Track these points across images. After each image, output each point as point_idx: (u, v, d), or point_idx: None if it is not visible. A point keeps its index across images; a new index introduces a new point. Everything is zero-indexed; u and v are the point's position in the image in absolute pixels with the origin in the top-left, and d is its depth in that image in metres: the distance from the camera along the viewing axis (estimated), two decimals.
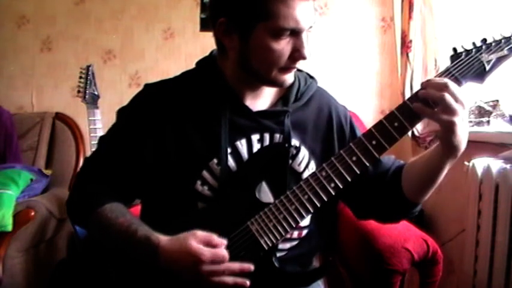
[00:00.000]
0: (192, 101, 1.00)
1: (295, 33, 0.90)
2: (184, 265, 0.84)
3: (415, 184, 0.98)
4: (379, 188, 1.02)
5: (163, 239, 0.87)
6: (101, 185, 0.99)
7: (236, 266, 0.85)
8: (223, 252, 0.84)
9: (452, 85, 0.84)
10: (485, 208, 1.46)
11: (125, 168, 0.99)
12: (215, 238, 0.85)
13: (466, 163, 1.57)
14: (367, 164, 0.90)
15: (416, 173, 0.98)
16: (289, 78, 0.96)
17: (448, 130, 0.85)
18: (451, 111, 0.83)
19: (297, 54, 0.91)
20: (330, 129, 1.07)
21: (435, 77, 0.90)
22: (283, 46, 0.90)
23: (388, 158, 1.06)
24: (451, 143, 0.86)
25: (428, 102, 0.86)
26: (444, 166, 0.92)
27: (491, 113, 1.76)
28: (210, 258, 0.83)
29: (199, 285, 0.85)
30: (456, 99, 0.83)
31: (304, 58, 0.92)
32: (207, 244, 0.84)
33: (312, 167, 1.02)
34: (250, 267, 0.86)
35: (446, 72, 0.90)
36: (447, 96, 0.83)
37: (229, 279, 0.84)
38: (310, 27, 0.91)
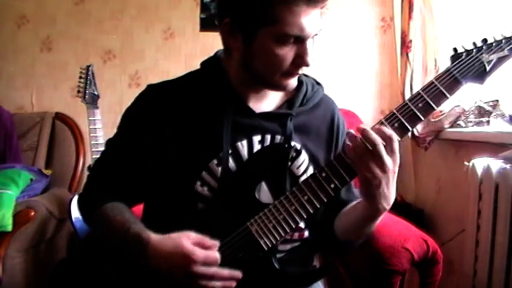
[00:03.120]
0: (195, 102, 1.00)
1: (300, 40, 0.89)
2: (175, 264, 0.83)
3: (342, 225, 1.00)
4: (332, 216, 1.03)
5: (153, 236, 0.87)
6: (107, 186, 1.00)
7: (226, 272, 0.85)
8: (215, 254, 0.84)
9: (379, 144, 0.83)
10: (485, 208, 1.46)
11: (130, 169, 1.00)
12: (208, 240, 0.85)
13: (466, 163, 1.57)
14: None
15: (344, 216, 1.01)
16: (292, 82, 0.96)
17: (362, 183, 0.86)
18: (367, 169, 0.84)
19: (299, 60, 0.90)
20: (332, 137, 1.07)
21: (434, 78, 0.89)
22: (287, 52, 0.89)
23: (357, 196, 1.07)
24: (364, 197, 0.88)
25: None
26: (364, 220, 0.93)
27: (491, 113, 1.76)
28: (202, 259, 0.82)
29: (187, 285, 0.84)
30: (379, 160, 0.83)
31: (307, 65, 0.91)
32: (200, 245, 0.84)
33: (310, 171, 1.01)
34: (239, 275, 0.85)
35: (447, 73, 0.90)
36: (367, 155, 0.83)
37: (218, 284, 0.84)
38: (316, 34, 0.90)
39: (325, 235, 1.03)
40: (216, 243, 0.85)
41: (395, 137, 0.85)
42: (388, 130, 0.85)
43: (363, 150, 0.84)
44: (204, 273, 0.83)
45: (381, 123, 0.89)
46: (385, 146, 0.84)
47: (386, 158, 0.83)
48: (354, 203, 0.99)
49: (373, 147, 0.83)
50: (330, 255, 1.14)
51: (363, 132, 0.84)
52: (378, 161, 0.83)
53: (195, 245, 0.84)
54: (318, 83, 1.09)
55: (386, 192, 0.86)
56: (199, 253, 0.82)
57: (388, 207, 0.88)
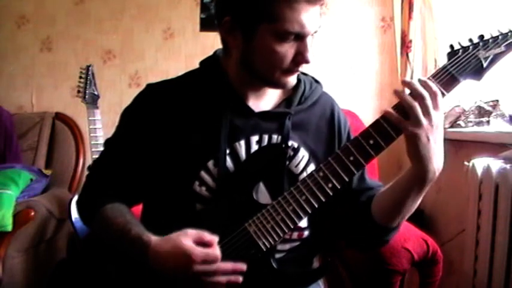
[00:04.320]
0: (194, 101, 1.00)
1: (300, 37, 0.89)
2: (176, 265, 0.83)
3: (383, 206, 0.96)
4: (353, 206, 1.01)
5: (154, 239, 0.87)
6: (106, 186, 1.00)
7: (229, 265, 0.84)
8: (215, 252, 0.83)
9: (428, 98, 0.82)
10: (485, 208, 1.46)
11: (129, 169, 1.00)
12: (206, 235, 0.84)
13: (466, 163, 1.57)
14: (364, 164, 0.89)
15: (385, 194, 0.97)
16: (291, 80, 0.95)
17: (410, 143, 0.84)
18: (416, 123, 0.82)
19: (300, 57, 0.90)
20: (332, 133, 1.07)
21: (430, 76, 0.89)
22: (287, 49, 0.89)
23: (375, 182, 1.06)
24: (414, 160, 0.85)
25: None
26: (411, 190, 0.89)
27: (491, 113, 1.76)
28: (202, 258, 0.82)
29: (191, 285, 0.85)
30: (426, 113, 0.82)
31: (307, 62, 0.91)
32: (199, 242, 0.84)
33: (311, 169, 1.01)
34: (243, 267, 0.85)
35: (444, 70, 0.89)
36: (416, 107, 0.82)
37: (222, 278, 0.84)
38: (315, 31, 0.90)
39: (363, 228, 0.99)
40: (215, 237, 0.85)
41: (440, 93, 0.84)
42: (434, 86, 0.84)
43: (412, 105, 0.82)
44: (205, 270, 0.83)
45: (379, 118, 0.88)
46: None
47: (433, 111, 0.83)
48: (392, 182, 0.95)
49: (421, 100, 0.82)
50: (362, 250, 1.09)
51: (410, 85, 0.84)
52: (426, 115, 0.82)
53: (194, 242, 0.83)
54: (317, 81, 1.09)
55: (436, 149, 0.84)
56: (199, 252, 0.82)
57: (438, 170, 0.86)
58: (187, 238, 0.84)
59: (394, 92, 0.86)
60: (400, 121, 0.84)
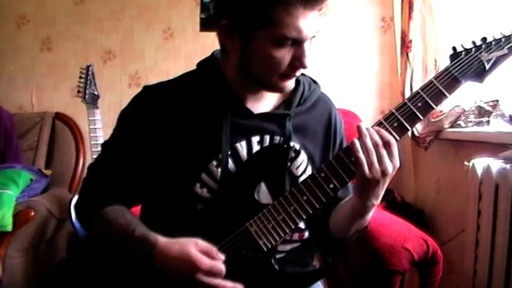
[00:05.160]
0: (192, 103, 0.99)
1: (297, 43, 0.88)
2: (181, 269, 0.84)
3: (335, 220, 1.01)
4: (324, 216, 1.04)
5: (161, 239, 0.87)
6: (105, 189, 0.99)
7: (229, 284, 0.84)
8: (221, 266, 0.84)
9: (373, 153, 0.85)
10: (485, 208, 1.46)
11: (127, 172, 0.99)
12: (215, 251, 0.85)
13: (466, 163, 1.57)
14: None
15: (336, 214, 1.02)
16: (289, 84, 0.95)
17: (360, 181, 0.87)
18: (371, 168, 0.85)
19: (297, 62, 0.90)
20: (329, 136, 1.07)
21: (432, 78, 0.90)
22: (284, 54, 0.89)
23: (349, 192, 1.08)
24: (357, 196, 0.91)
25: None
26: (355, 216, 0.94)
27: (491, 113, 1.76)
28: (207, 268, 0.82)
29: None
30: (380, 163, 0.85)
31: (304, 67, 0.91)
32: (207, 254, 0.84)
33: (309, 172, 1.01)
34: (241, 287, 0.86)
35: (446, 72, 0.89)
36: (363, 164, 0.85)
37: None
38: (313, 36, 0.90)
39: (322, 233, 1.04)
40: (222, 256, 0.85)
41: (394, 142, 0.87)
42: (386, 135, 0.87)
43: (370, 151, 0.85)
44: (207, 282, 0.83)
45: (379, 123, 0.89)
46: (386, 150, 0.85)
47: (388, 162, 0.85)
48: (346, 199, 1.00)
49: (375, 148, 0.85)
50: (327, 253, 1.15)
51: (362, 137, 0.86)
52: (380, 164, 0.85)
53: (202, 253, 0.84)
54: (315, 82, 1.09)
55: (379, 192, 0.89)
56: (206, 262, 0.83)
57: (376, 204, 0.91)
58: (196, 246, 0.84)
59: (351, 143, 0.89)
60: (358, 162, 0.86)
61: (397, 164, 0.87)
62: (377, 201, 0.90)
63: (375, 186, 0.86)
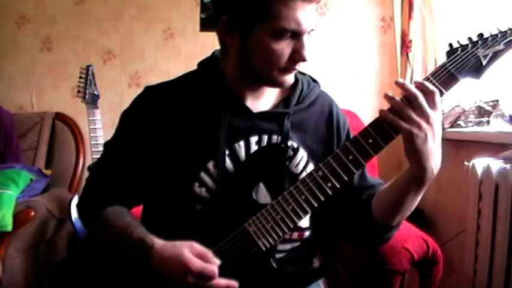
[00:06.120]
0: (192, 102, 0.99)
1: (296, 35, 0.89)
2: (173, 271, 0.84)
3: (383, 205, 0.96)
4: (353, 204, 1.01)
5: (158, 242, 0.87)
6: (106, 189, 1.00)
7: (223, 281, 0.84)
8: (213, 268, 0.83)
9: (420, 98, 0.83)
10: (485, 208, 1.46)
11: (129, 172, 0.99)
12: (210, 254, 0.84)
13: (466, 163, 1.57)
14: (364, 163, 0.89)
15: (385, 193, 0.97)
16: (289, 78, 0.95)
17: (407, 142, 0.84)
18: (410, 123, 0.82)
19: (296, 55, 0.90)
20: (331, 132, 1.06)
21: (429, 75, 0.89)
22: (283, 47, 0.89)
23: (376, 180, 1.06)
24: (411, 159, 0.85)
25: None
26: (409, 190, 0.89)
27: (491, 113, 1.76)
28: (198, 270, 0.82)
29: None
30: (421, 112, 0.82)
31: (304, 60, 0.91)
32: (200, 257, 0.83)
33: (310, 169, 1.01)
34: (236, 285, 0.85)
35: (443, 68, 0.88)
36: (406, 108, 0.83)
37: None
38: (312, 29, 0.90)
39: (364, 225, 0.99)
40: (217, 260, 0.84)
41: (438, 92, 0.84)
42: (431, 85, 0.85)
43: (402, 106, 0.83)
44: (199, 285, 0.82)
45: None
46: (426, 100, 0.83)
47: (429, 110, 0.83)
48: (392, 180, 0.95)
49: (414, 99, 0.83)
50: (368, 247, 1.09)
51: (403, 86, 0.84)
52: (420, 113, 0.82)
53: (196, 255, 0.83)
54: (314, 80, 1.09)
55: (433, 148, 0.83)
56: (197, 263, 0.82)
57: (436, 169, 0.85)
58: (190, 249, 0.84)
59: (384, 96, 0.87)
60: (393, 120, 0.84)
61: (440, 116, 0.83)
62: (437, 165, 0.84)
63: (424, 140, 0.82)
